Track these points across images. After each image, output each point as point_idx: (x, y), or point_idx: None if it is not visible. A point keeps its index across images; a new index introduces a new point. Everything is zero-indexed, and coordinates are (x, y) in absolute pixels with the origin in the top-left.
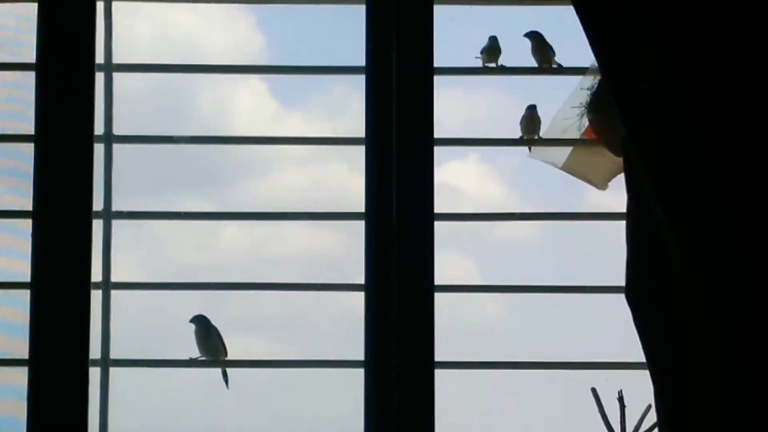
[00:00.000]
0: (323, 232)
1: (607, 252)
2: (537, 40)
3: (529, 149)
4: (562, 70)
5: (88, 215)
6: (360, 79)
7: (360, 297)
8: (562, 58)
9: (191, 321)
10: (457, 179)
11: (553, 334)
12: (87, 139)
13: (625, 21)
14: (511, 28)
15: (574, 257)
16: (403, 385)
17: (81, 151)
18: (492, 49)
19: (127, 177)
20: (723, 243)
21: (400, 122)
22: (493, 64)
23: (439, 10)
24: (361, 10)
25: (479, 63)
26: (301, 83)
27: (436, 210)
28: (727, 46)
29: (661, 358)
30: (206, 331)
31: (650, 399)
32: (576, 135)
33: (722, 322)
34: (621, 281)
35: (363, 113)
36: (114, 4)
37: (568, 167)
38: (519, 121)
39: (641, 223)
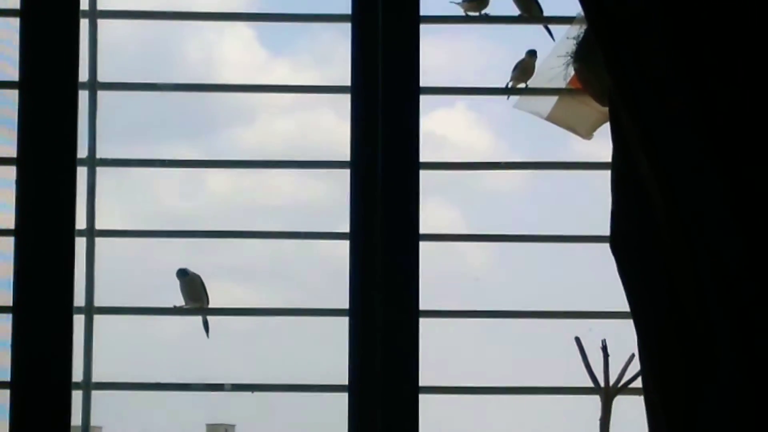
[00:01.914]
0: (309, 180)
1: (592, 201)
2: None
3: (508, 96)
4: (545, 20)
5: (72, 162)
6: (347, 27)
7: (345, 245)
8: (548, 8)
9: (176, 275)
10: (444, 128)
11: (538, 283)
12: (71, 86)
13: None
14: None
15: (560, 207)
16: (387, 334)
17: (65, 98)
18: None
19: (112, 125)
20: (708, 196)
21: (386, 70)
22: (476, 13)
23: None
24: None
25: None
26: (288, 31)
27: (423, 159)
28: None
29: (644, 308)
30: (190, 281)
31: (634, 349)
32: (562, 84)
33: (706, 275)
34: (606, 231)
35: (350, 62)
36: None
37: (553, 117)
38: (513, 66)
39: (626, 174)
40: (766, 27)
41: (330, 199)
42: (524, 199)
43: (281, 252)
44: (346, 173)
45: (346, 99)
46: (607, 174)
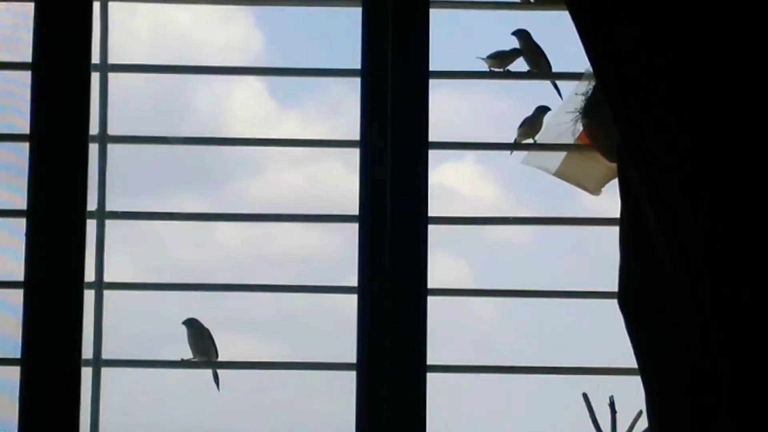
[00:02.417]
0: (317, 233)
1: (600, 257)
2: (525, 39)
3: (511, 151)
4: (555, 75)
5: (82, 215)
6: (357, 81)
7: (353, 299)
8: (557, 63)
9: (183, 323)
10: (453, 181)
11: (546, 338)
12: (82, 138)
13: (620, 25)
14: (505, 33)
15: (567, 262)
16: (394, 388)
17: (76, 150)
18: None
19: (122, 177)
20: (715, 249)
21: (394, 124)
22: (499, 69)
23: (435, 13)
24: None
25: (477, 65)
26: (298, 84)
27: (432, 212)
28: (723, 50)
29: (652, 364)
30: (198, 333)
31: (641, 405)
32: (570, 140)
33: (714, 328)
34: (614, 286)
35: (359, 115)
36: (110, 4)
37: (561, 173)
38: (521, 122)
39: (634, 229)
40: None
41: (338, 251)
42: (532, 253)
43: (289, 304)
44: (355, 226)
45: (354, 151)
46: (615, 229)
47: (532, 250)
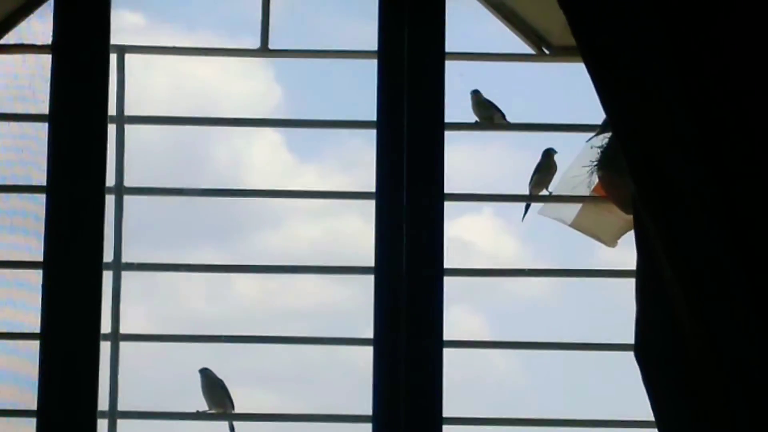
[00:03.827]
0: (335, 285)
1: (617, 309)
2: (475, 97)
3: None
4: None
5: (98, 267)
6: (373, 133)
7: (369, 351)
8: (572, 113)
9: (199, 371)
10: (470, 234)
11: (563, 391)
12: (98, 190)
13: (637, 78)
14: (522, 84)
15: (585, 314)
16: None
17: (92, 202)
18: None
19: (138, 229)
20: (733, 303)
21: (410, 176)
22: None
23: (450, 66)
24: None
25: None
26: (316, 137)
27: (448, 264)
28: (742, 102)
29: (669, 415)
30: (212, 383)
31: None
32: (586, 192)
33: (732, 382)
34: (631, 339)
35: (375, 167)
36: (127, 57)
37: (577, 224)
38: (534, 168)
39: (650, 281)
40: None
41: (355, 303)
42: (549, 307)
43: (306, 357)
44: (371, 278)
45: (371, 204)
46: (631, 282)
47: (549, 302)
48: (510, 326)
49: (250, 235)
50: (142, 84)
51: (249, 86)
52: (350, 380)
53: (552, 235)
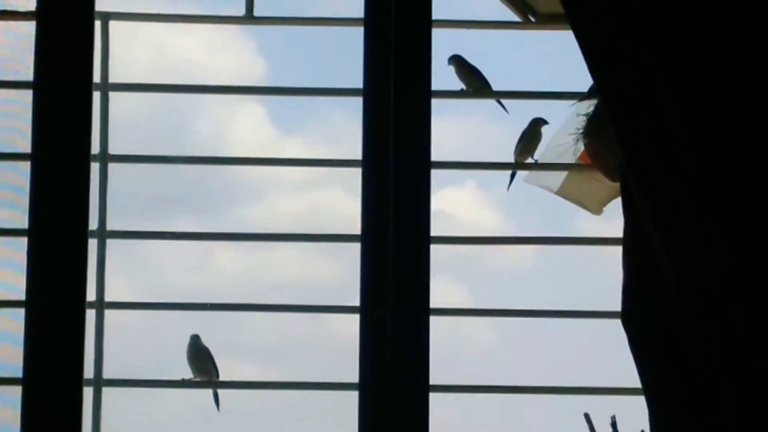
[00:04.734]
0: (317, 257)
1: (599, 279)
2: (459, 64)
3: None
4: (550, 96)
5: (83, 234)
6: (357, 106)
7: (353, 323)
8: (558, 81)
9: (190, 337)
10: (453, 206)
11: (547, 359)
12: (84, 158)
13: (626, 46)
14: (507, 52)
15: (567, 285)
16: (398, 409)
17: (77, 170)
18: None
19: (121, 199)
20: (719, 268)
21: (397, 145)
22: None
23: (437, 34)
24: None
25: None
26: (299, 110)
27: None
28: (726, 70)
29: (656, 382)
30: (199, 351)
31: (643, 424)
32: (571, 160)
33: (718, 349)
34: (613, 306)
35: (360, 139)
36: (111, 24)
37: (563, 192)
38: (519, 136)
39: (637, 248)
40: None
41: (337, 276)
42: (532, 278)
43: (291, 328)
44: (355, 250)
45: (355, 177)
46: (613, 252)
47: (532, 274)
48: (492, 297)
49: (231, 208)
50: (126, 53)
51: (233, 56)
52: (335, 351)
53: (534, 208)
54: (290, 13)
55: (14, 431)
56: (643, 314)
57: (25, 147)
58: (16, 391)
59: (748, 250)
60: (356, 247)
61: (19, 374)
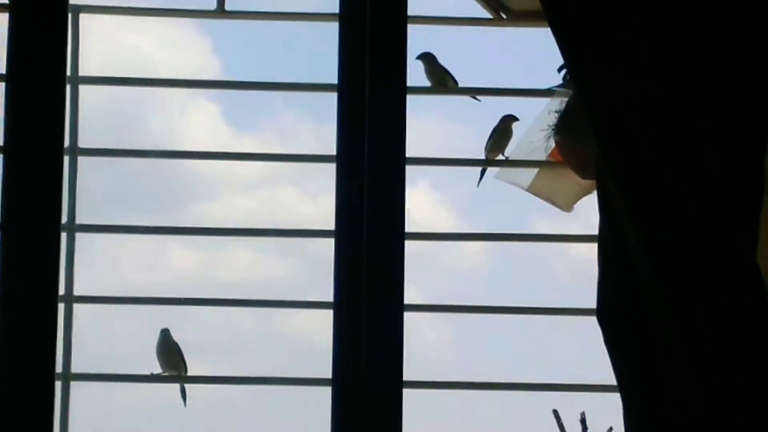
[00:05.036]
0: (269, 258)
1: (561, 276)
2: (429, 62)
3: (485, 167)
4: (524, 93)
5: (56, 228)
6: (311, 104)
7: (306, 320)
8: (537, 78)
9: (160, 331)
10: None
11: (517, 355)
12: (57, 151)
13: (604, 42)
14: (479, 49)
15: (516, 282)
16: (371, 405)
17: (50, 163)
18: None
19: (81, 193)
20: (695, 263)
21: (372, 140)
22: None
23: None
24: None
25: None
26: (252, 108)
27: None
28: (704, 67)
29: (632, 378)
30: (169, 345)
31: (612, 421)
32: (542, 157)
33: (693, 344)
34: (588, 304)
35: (314, 138)
36: (81, 17)
37: (534, 189)
38: (490, 132)
39: (613, 243)
40: (756, 98)
41: (289, 276)
42: (482, 277)
43: (241, 327)
44: (307, 248)
45: (307, 175)
46: (564, 247)
47: (483, 274)
48: (448, 294)
49: (186, 206)
50: (90, 47)
51: (201, 51)
52: (306, 347)
53: (489, 211)
54: (263, 4)
55: None
56: (617, 308)
57: None
58: None
59: (725, 245)
60: (307, 244)
61: None
